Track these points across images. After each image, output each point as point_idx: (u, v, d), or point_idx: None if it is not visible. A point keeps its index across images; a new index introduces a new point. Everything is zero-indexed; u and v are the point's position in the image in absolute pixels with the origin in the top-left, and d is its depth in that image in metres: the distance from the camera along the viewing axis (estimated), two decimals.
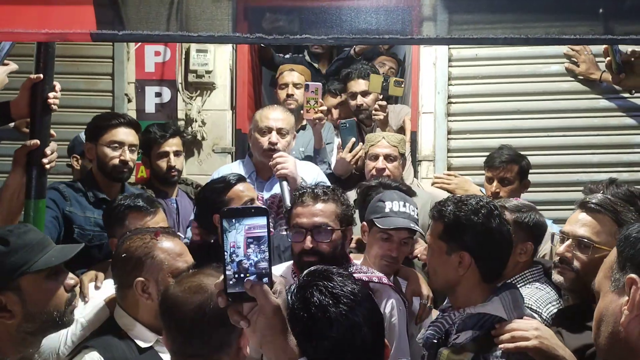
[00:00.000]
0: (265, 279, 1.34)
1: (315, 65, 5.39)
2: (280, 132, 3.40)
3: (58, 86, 2.51)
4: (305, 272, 1.55)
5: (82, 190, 3.15)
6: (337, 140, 4.09)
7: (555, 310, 2.38)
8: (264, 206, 1.38)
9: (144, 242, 2.15)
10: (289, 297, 1.48)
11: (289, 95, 4.21)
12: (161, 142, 3.62)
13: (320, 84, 3.81)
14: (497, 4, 1.86)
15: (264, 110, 3.56)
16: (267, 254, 1.35)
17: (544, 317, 2.33)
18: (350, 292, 1.47)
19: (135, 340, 2.10)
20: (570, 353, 1.95)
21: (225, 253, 1.34)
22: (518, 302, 2.02)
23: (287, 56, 5.18)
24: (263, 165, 3.41)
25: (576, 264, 2.26)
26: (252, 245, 1.34)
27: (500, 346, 1.90)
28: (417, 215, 2.72)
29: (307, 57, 5.46)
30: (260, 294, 1.32)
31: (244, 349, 1.69)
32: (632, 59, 2.47)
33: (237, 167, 3.59)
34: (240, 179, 3.03)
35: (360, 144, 3.83)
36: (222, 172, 3.57)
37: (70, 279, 2.00)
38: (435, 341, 2.05)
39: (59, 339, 2.24)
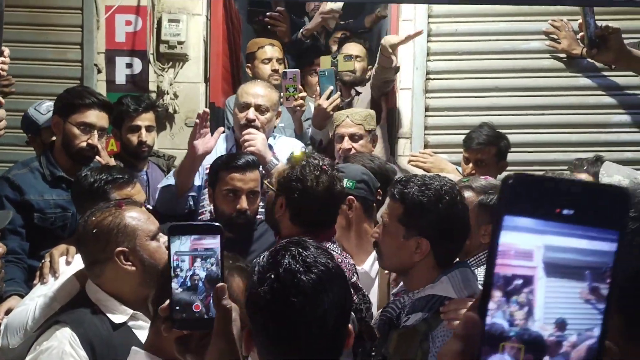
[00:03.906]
0: None
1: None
2: (259, 108, 3.32)
3: (7, 51, 2.39)
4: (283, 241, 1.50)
5: (38, 170, 3.04)
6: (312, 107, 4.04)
7: None
8: (217, 224, 1.25)
9: (111, 214, 2.09)
10: (261, 259, 1.41)
11: (274, 71, 4.15)
12: (134, 116, 3.51)
13: (297, 70, 3.73)
14: None
15: (246, 85, 3.48)
16: (219, 274, 1.20)
17: None
18: (324, 264, 1.39)
19: (109, 316, 2.04)
20: None
21: (171, 270, 1.20)
22: (469, 280, 1.96)
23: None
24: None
25: None
26: (198, 261, 1.20)
27: (443, 322, 1.86)
28: None
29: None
30: (223, 314, 1.18)
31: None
32: (606, 33, 2.44)
33: (220, 141, 3.49)
34: (253, 165, 2.89)
35: (338, 92, 3.75)
36: None
37: None
38: (387, 324, 2.01)
39: (27, 314, 2.18)
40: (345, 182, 2.55)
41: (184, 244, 1.20)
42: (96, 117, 3.06)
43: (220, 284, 1.19)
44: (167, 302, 1.21)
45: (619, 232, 0.70)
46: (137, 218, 2.10)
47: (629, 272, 1.03)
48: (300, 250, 1.40)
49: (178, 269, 1.20)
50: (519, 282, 0.69)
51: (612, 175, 1.94)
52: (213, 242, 1.21)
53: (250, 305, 1.40)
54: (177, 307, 1.20)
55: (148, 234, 2.08)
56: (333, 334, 1.39)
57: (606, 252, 0.70)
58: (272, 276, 1.36)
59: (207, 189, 3.12)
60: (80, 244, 2.17)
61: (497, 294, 0.70)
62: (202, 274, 1.20)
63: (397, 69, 3.82)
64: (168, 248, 1.21)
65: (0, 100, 2.40)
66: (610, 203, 0.70)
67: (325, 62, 3.93)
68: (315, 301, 1.35)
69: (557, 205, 0.69)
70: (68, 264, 2.45)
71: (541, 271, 0.69)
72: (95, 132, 3.05)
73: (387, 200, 2.07)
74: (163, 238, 2.10)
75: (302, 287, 1.34)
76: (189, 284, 1.20)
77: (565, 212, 0.68)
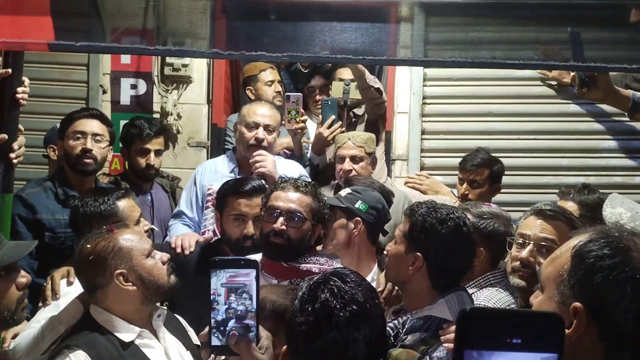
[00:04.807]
0: (252, 334, 1.34)
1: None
2: (267, 128, 3.41)
3: (27, 81, 2.47)
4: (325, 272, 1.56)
5: (52, 190, 3.12)
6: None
7: None
8: (253, 259, 1.36)
9: (104, 239, 2.15)
10: (305, 286, 1.48)
11: (278, 92, 4.26)
12: (145, 140, 3.60)
13: (300, 94, 3.84)
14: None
15: (252, 105, 3.57)
16: (252, 306, 1.34)
17: None
18: (360, 303, 1.46)
19: (117, 335, 2.09)
20: None
21: (210, 302, 1.34)
22: (464, 304, 2.06)
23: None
24: (246, 161, 3.37)
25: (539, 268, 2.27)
26: (233, 295, 1.33)
27: (444, 345, 1.95)
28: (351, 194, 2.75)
29: None
30: (245, 351, 1.32)
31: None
32: (595, 73, 2.56)
33: (221, 161, 3.58)
34: (260, 190, 2.83)
35: (340, 122, 3.85)
36: (208, 166, 3.59)
37: (22, 277, 1.98)
38: None
39: (33, 337, 2.21)
40: (359, 204, 2.68)
41: (220, 277, 1.34)
42: (86, 124, 3.15)
43: (231, 334, 1.31)
44: (207, 329, 1.34)
45: (558, 354, 0.84)
46: (130, 239, 2.17)
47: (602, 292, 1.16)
48: (340, 284, 1.47)
49: (215, 302, 1.34)
50: None
51: (616, 207, 2.02)
52: (248, 276, 1.34)
53: (289, 329, 1.48)
54: (215, 335, 1.34)
55: (143, 253, 2.15)
56: None
57: None
58: (310, 308, 1.44)
59: (206, 208, 3.22)
60: (79, 272, 2.21)
61: None
62: (237, 306, 1.34)
63: (379, 90, 3.89)
64: (208, 281, 1.34)
65: (20, 128, 2.48)
66: (548, 328, 0.85)
67: (337, 88, 3.99)
68: (346, 338, 1.43)
69: (506, 335, 0.82)
70: (70, 284, 2.49)
71: None
72: (89, 137, 3.13)
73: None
74: (158, 254, 2.19)
75: (335, 323, 1.43)
76: (225, 315, 1.32)
77: (514, 341, 0.82)
